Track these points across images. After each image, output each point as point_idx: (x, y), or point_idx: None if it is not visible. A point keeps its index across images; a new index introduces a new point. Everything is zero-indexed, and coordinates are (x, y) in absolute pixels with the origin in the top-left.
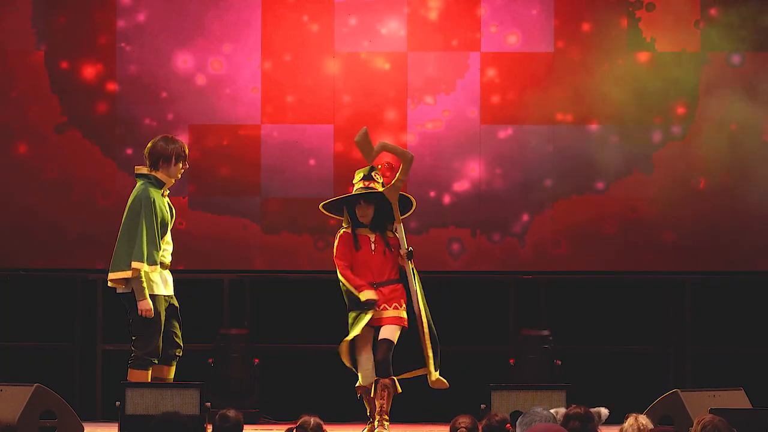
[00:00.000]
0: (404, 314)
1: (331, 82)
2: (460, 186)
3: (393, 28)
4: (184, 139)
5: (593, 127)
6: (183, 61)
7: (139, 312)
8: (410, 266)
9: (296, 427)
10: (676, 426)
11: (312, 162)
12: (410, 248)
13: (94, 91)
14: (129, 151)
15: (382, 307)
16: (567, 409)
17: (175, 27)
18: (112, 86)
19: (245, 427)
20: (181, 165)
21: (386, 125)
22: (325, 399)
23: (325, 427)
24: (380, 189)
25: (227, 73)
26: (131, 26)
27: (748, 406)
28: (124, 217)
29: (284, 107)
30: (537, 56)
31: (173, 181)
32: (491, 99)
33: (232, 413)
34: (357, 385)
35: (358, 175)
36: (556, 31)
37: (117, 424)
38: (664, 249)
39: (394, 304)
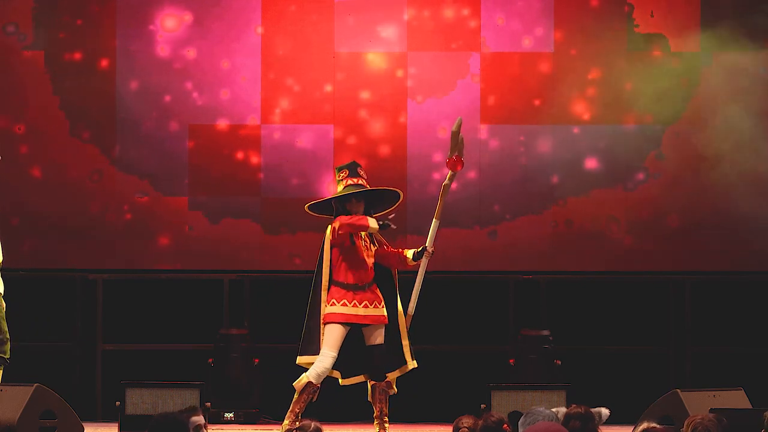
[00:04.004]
0: (385, 311)
1: (331, 82)
2: (460, 185)
3: (393, 28)
4: (183, 138)
5: (593, 127)
6: (183, 61)
7: None
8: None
9: (296, 429)
10: (676, 426)
11: (312, 162)
12: (424, 248)
13: (94, 92)
14: (130, 152)
15: (372, 305)
16: (567, 408)
17: (175, 27)
18: (112, 87)
19: (245, 427)
20: None
21: (386, 125)
22: (325, 399)
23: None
24: (365, 183)
25: (227, 73)
26: (132, 27)
27: (748, 406)
28: None
29: (284, 107)
30: (537, 56)
31: None
32: (491, 99)
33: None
34: (305, 382)
35: (342, 173)
36: (556, 31)
37: (117, 424)
38: (665, 249)
39: (375, 303)
